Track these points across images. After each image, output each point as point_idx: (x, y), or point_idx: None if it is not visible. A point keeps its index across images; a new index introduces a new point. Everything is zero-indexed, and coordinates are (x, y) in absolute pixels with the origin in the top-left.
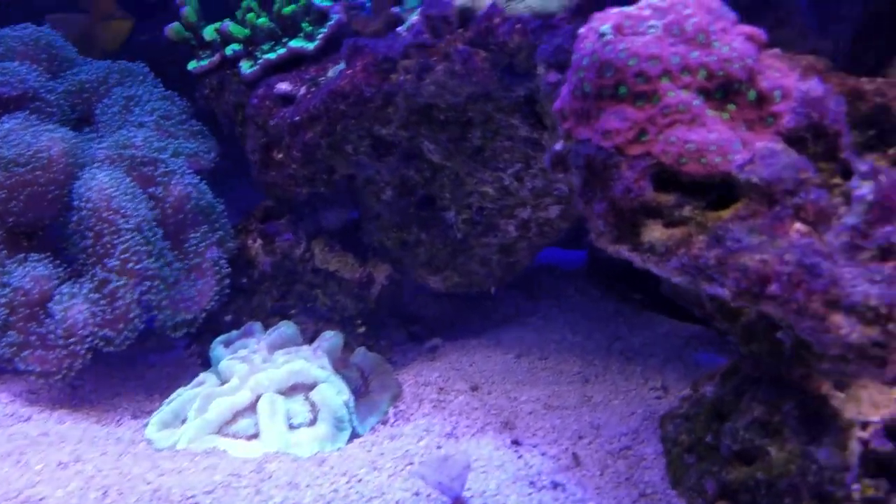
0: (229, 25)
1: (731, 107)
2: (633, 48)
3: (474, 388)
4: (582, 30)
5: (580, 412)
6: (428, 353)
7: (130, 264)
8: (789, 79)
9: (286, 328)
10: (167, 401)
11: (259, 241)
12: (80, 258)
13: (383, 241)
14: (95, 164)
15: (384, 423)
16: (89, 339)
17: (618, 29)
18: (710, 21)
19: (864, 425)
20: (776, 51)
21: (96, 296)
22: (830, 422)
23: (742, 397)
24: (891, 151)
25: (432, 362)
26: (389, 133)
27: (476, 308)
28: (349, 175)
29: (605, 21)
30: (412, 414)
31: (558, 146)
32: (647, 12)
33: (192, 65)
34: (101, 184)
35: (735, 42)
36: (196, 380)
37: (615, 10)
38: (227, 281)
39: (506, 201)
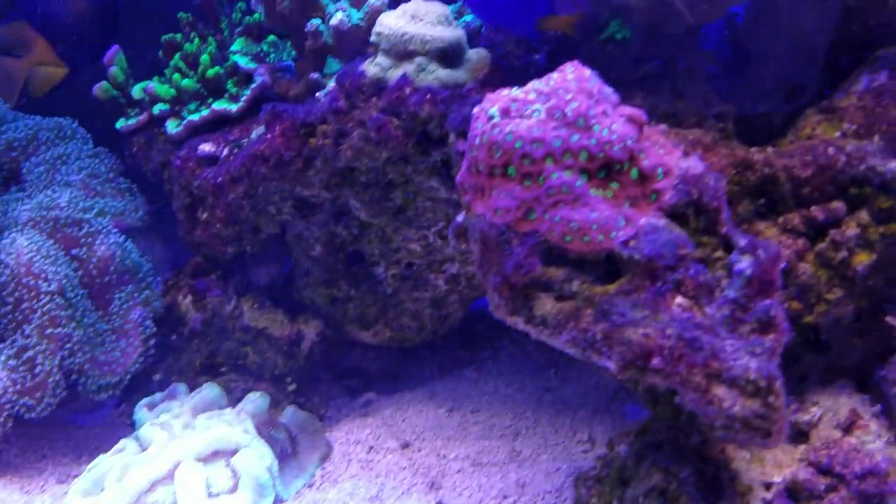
0: (156, 86)
1: (615, 185)
2: (519, 131)
3: (404, 446)
4: (475, 110)
5: (507, 469)
6: (362, 408)
7: (50, 329)
8: (671, 156)
9: (209, 391)
10: (88, 467)
11: (189, 298)
12: (1, 324)
13: (314, 298)
14: (17, 228)
15: (310, 486)
16: (9, 406)
17: (505, 112)
18: (590, 106)
19: (767, 486)
20: (662, 127)
21: (15, 362)
22: (729, 486)
23: (643, 462)
24: (780, 220)
25: (365, 418)
26: (312, 194)
27: (412, 359)
28: (278, 232)
29: (494, 103)
30: (340, 475)
31: (460, 218)
32: (532, 96)
33: (120, 123)
34: (21, 248)
35: (615, 124)
36: (117, 446)
37: (506, 91)
38: (153, 341)
39: (433, 256)
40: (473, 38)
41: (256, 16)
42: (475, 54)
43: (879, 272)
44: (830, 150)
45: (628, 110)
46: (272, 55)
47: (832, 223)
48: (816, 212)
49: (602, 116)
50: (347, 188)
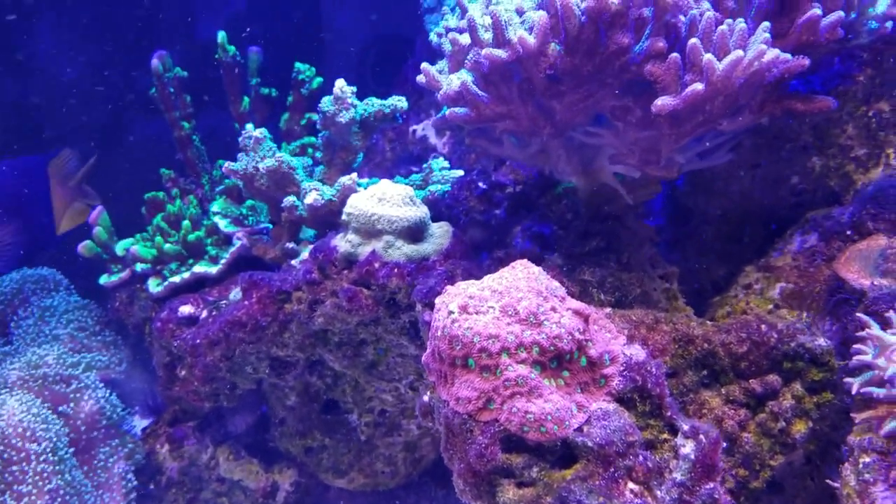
0: (139, 249)
1: (566, 373)
2: (476, 328)
3: None
4: (437, 301)
5: None
6: None
7: (39, 488)
8: (617, 342)
9: None
10: None
11: (167, 446)
12: None
13: (288, 448)
14: (6, 389)
15: None
16: None
17: (463, 308)
18: (539, 304)
19: None
20: (608, 310)
21: None
22: None
23: None
24: (723, 390)
25: None
26: (288, 354)
27: (388, 500)
28: (254, 387)
29: (454, 298)
30: None
31: (426, 397)
32: (487, 293)
33: (103, 279)
34: (11, 410)
35: (564, 318)
36: None
37: (464, 285)
38: (134, 494)
39: (406, 404)
40: (439, 202)
41: None
42: (438, 228)
43: (817, 438)
44: (763, 328)
45: (574, 304)
46: (251, 218)
47: (770, 395)
48: (755, 384)
49: (551, 312)
50: (321, 347)
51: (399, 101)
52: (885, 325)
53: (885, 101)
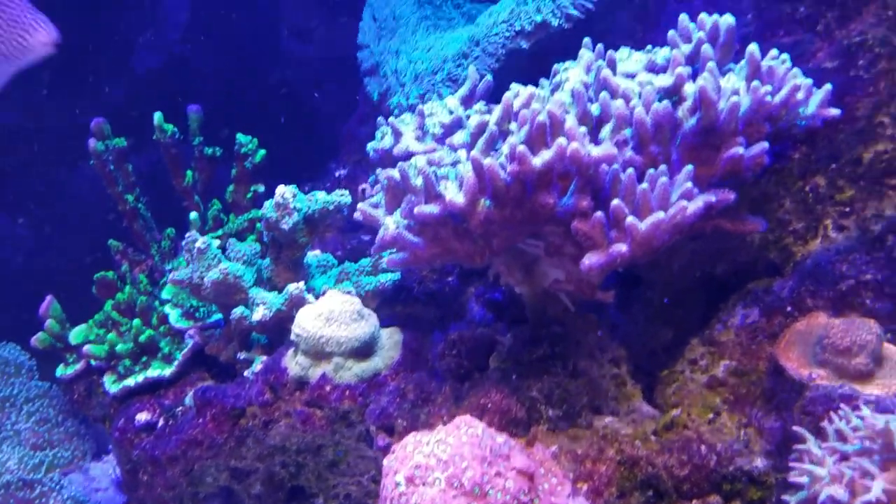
0: (91, 348)
1: None
2: (423, 502)
3: None
4: (384, 464)
5: None
6: None
7: None
8: (562, 494)
9: None
10: None
11: None
12: None
13: None
14: None
15: None
16: None
17: (410, 480)
18: (484, 472)
19: None
20: (553, 449)
21: None
22: None
23: None
24: None
25: None
26: (247, 465)
27: None
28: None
29: (401, 466)
30: None
31: None
32: (432, 462)
33: (59, 370)
34: None
35: (508, 482)
36: None
37: (411, 446)
38: None
39: (370, 490)
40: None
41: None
42: (388, 339)
43: None
44: (703, 450)
45: (519, 462)
46: (202, 309)
47: None
48: None
49: (496, 478)
50: (280, 455)
51: (342, 197)
52: (821, 436)
53: (821, 176)
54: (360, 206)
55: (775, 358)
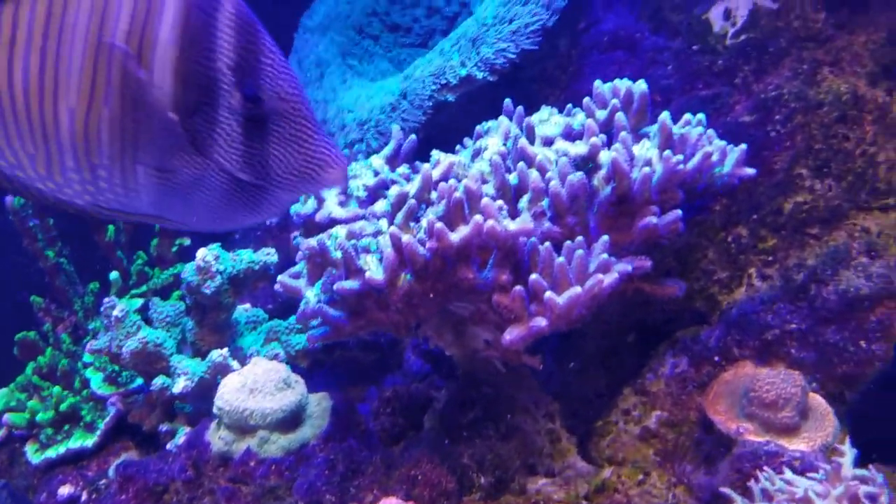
0: (11, 418)
1: None
2: None
3: None
4: None
5: None
6: None
7: None
8: None
9: None
10: None
11: None
12: None
13: None
14: None
15: None
16: None
17: None
18: None
19: None
20: None
21: None
22: None
23: None
24: None
25: None
26: None
27: None
28: None
29: None
30: None
31: None
32: None
33: None
34: None
35: None
36: None
37: None
38: None
39: None
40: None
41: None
42: (317, 406)
43: None
44: None
45: None
46: (125, 373)
47: None
48: None
49: None
50: None
51: (268, 256)
52: (749, 495)
53: (743, 226)
54: (280, 278)
55: (704, 410)
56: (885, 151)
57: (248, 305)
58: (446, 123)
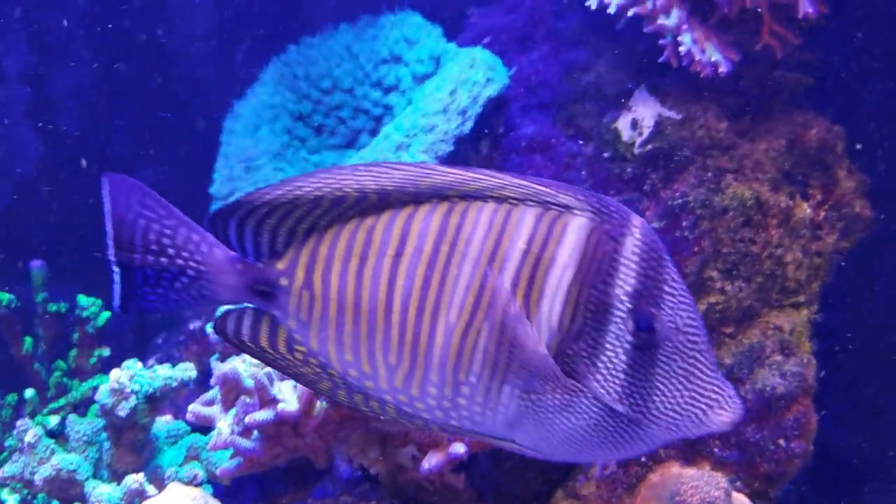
0: None
1: None
2: None
3: None
4: None
5: None
6: None
7: None
8: None
9: None
10: None
11: None
12: None
13: None
14: None
15: None
16: None
17: None
18: None
19: None
20: None
21: None
22: None
23: None
24: None
25: None
26: None
27: None
28: None
29: None
30: None
31: None
32: None
33: None
34: None
35: None
36: None
37: None
38: None
39: None
40: None
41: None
42: None
43: None
44: None
45: None
46: (41, 496)
47: None
48: None
49: None
50: None
51: (186, 372)
52: None
53: None
54: (191, 407)
55: None
56: (791, 252)
57: (168, 417)
58: None
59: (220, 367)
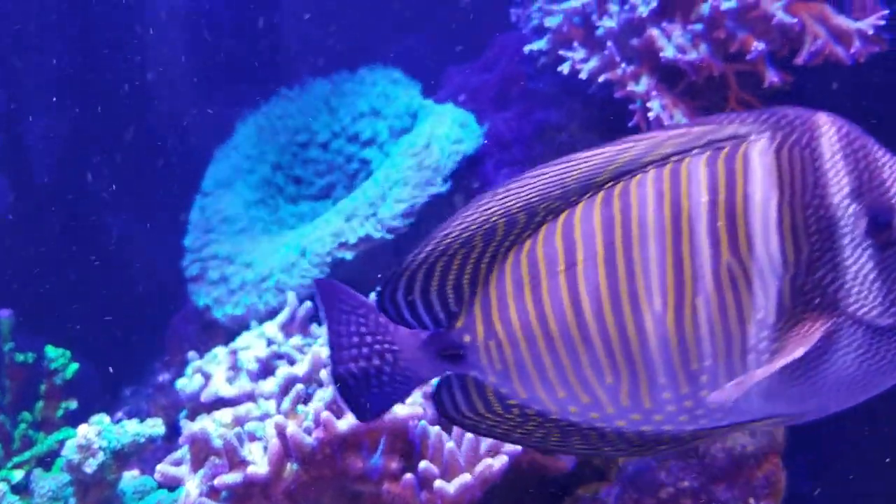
0: None
1: None
2: None
3: None
4: None
5: None
6: None
7: None
8: None
9: None
10: None
11: None
12: None
13: None
14: None
15: None
16: None
17: None
18: None
19: None
20: None
21: None
22: None
23: None
24: None
25: None
26: None
27: None
28: None
29: None
30: None
31: None
32: None
33: None
34: None
35: None
36: None
37: None
38: None
39: None
40: None
41: None
42: None
43: None
44: None
45: None
46: None
47: None
48: None
49: None
50: None
51: (154, 429)
52: None
53: None
54: (159, 467)
55: None
56: None
57: (136, 472)
58: (345, 279)
59: (189, 427)
